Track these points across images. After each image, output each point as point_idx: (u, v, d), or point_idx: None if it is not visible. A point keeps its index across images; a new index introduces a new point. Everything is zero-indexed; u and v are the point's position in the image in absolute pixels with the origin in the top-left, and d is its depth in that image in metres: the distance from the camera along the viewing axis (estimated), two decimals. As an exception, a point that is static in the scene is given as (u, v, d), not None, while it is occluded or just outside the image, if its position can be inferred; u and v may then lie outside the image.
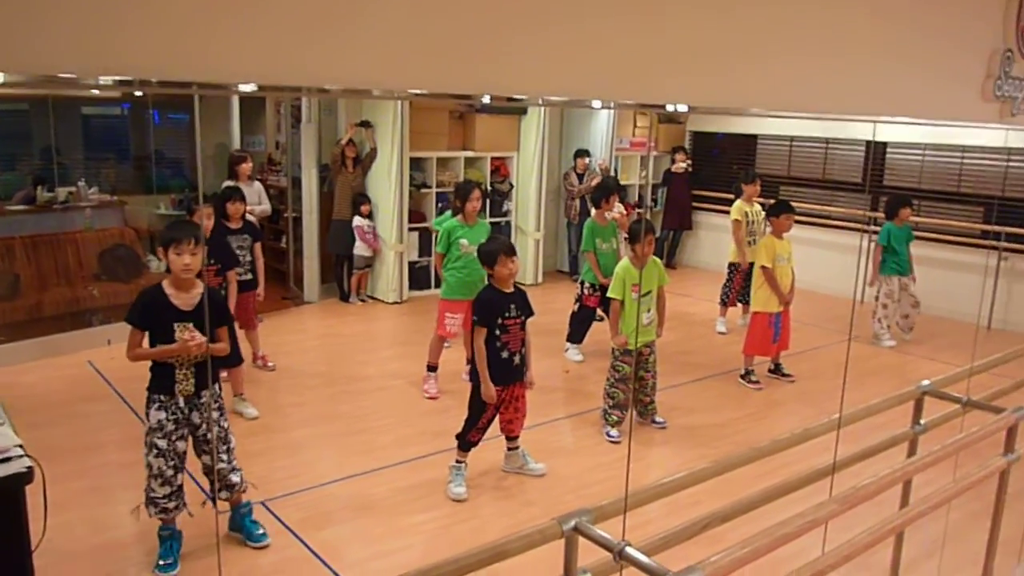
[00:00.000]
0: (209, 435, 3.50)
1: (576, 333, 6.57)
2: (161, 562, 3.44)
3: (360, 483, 4.34)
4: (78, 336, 6.36)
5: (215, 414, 3.55)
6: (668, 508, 2.42)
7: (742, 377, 6.12)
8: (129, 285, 6.80)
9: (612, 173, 9.44)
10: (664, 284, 5.15)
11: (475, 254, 5.36)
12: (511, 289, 4.29)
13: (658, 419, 5.24)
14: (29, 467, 2.53)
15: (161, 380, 3.40)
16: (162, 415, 3.39)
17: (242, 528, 3.68)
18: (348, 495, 4.21)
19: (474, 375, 4.26)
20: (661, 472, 3.03)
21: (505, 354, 4.20)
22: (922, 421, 3.13)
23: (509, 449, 4.50)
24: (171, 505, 3.46)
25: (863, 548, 2.23)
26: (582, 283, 6.44)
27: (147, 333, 3.42)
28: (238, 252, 5.49)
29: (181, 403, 3.42)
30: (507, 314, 4.20)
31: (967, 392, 3.16)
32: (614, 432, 5.03)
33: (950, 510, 3.44)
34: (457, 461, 4.31)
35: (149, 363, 3.44)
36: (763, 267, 5.93)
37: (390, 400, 5.61)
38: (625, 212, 6.69)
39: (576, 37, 1.74)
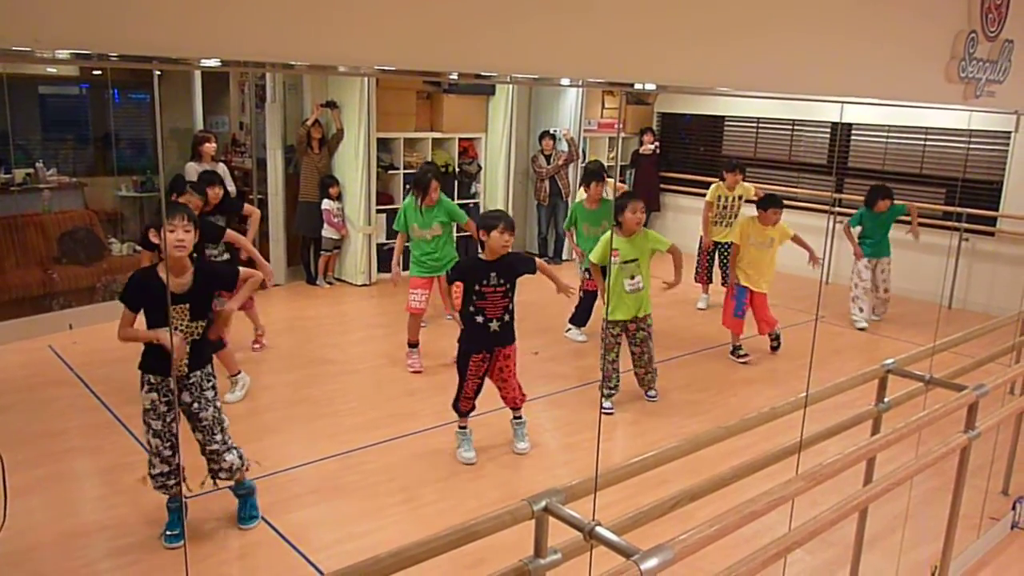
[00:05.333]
0: (202, 414, 3.49)
1: (580, 316, 6.61)
2: (168, 532, 3.50)
3: (329, 466, 4.32)
4: (38, 320, 6.23)
5: (209, 394, 3.53)
6: (638, 487, 2.44)
7: (731, 353, 6.26)
8: (90, 269, 6.68)
9: (577, 144, 9.46)
10: (661, 249, 5.20)
11: (427, 237, 5.63)
12: (494, 259, 4.31)
13: (651, 393, 5.34)
14: (-12, 453, 2.48)
15: (153, 359, 3.38)
16: (154, 395, 3.39)
17: (242, 507, 3.70)
18: (317, 478, 4.19)
19: (460, 342, 4.34)
20: (631, 452, 3.06)
21: (480, 319, 4.27)
22: (886, 399, 3.18)
23: (514, 418, 4.58)
24: (171, 482, 3.47)
25: (828, 524, 2.26)
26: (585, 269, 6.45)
27: (140, 314, 3.39)
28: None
29: (172, 384, 3.40)
30: (485, 281, 4.26)
31: (930, 370, 3.22)
32: (607, 404, 5.17)
33: (912, 486, 3.51)
34: (460, 427, 4.45)
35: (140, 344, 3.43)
36: (732, 243, 6.15)
37: (358, 383, 5.58)
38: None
39: (545, 15, 1.72)
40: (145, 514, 3.69)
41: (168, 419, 3.41)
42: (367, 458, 4.43)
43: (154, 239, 3.37)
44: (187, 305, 3.37)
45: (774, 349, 6.44)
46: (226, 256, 5.47)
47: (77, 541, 3.53)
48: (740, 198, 7.39)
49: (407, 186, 8.51)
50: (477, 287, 4.25)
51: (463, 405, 4.42)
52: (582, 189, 6.67)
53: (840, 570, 3.43)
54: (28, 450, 4.27)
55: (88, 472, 4.23)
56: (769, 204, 6.13)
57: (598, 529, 1.82)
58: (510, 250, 4.30)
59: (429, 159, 8.69)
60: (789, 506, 2.26)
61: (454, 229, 6.08)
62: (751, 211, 7.26)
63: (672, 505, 2.20)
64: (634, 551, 1.73)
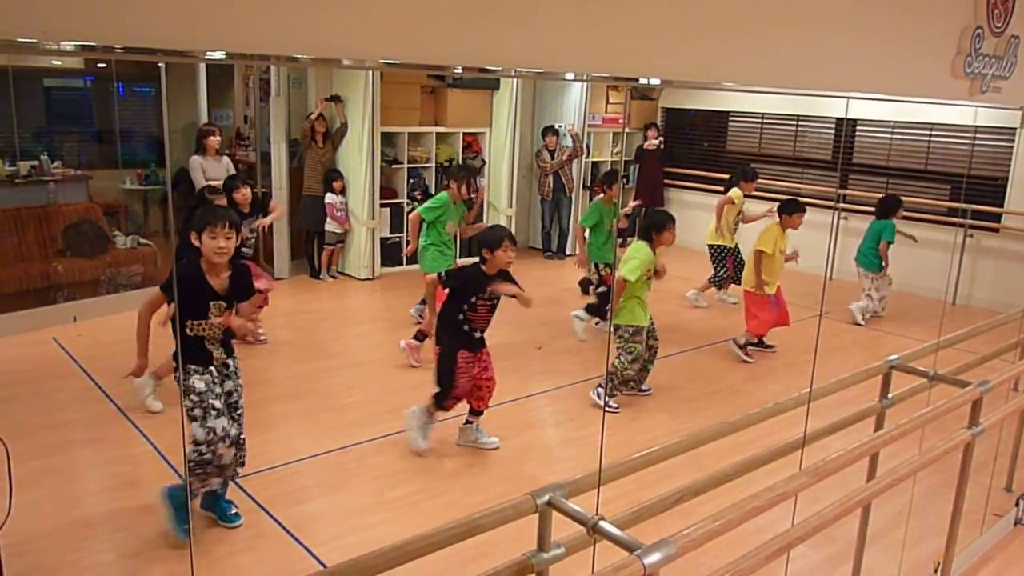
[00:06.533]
0: (240, 401, 3.57)
1: (599, 308, 6.58)
2: (232, 512, 3.64)
3: (331, 460, 4.33)
4: (42, 313, 6.23)
5: (240, 381, 3.62)
6: (641, 482, 2.44)
7: (740, 348, 6.24)
8: (94, 261, 6.68)
9: (581, 140, 9.47)
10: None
11: (452, 233, 5.77)
12: (494, 274, 4.32)
13: (644, 387, 5.36)
14: (-7, 445, 2.48)
15: (195, 353, 3.44)
16: (200, 384, 3.42)
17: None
18: (319, 472, 4.20)
19: (441, 343, 4.32)
20: (635, 447, 3.05)
21: (467, 328, 4.30)
22: (890, 395, 3.18)
23: (467, 422, 4.52)
24: (215, 481, 3.50)
25: (831, 520, 2.26)
26: (596, 265, 6.50)
27: (172, 305, 3.50)
28: (251, 235, 5.76)
29: (215, 372, 3.48)
30: (482, 295, 4.28)
31: (934, 367, 3.21)
32: (614, 404, 5.19)
33: (915, 482, 3.50)
34: (426, 410, 4.38)
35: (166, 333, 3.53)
36: (759, 250, 6.07)
37: (361, 377, 5.59)
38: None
39: (550, 9, 1.72)
40: (148, 506, 3.70)
41: (212, 399, 3.43)
42: (370, 452, 4.43)
43: (195, 242, 3.39)
44: (223, 303, 3.46)
45: (768, 347, 6.43)
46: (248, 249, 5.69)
47: (80, 532, 3.54)
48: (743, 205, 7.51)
49: (411, 180, 8.54)
50: (473, 299, 4.27)
51: (450, 404, 4.36)
52: (602, 190, 6.73)
53: (843, 566, 3.43)
54: (32, 442, 4.28)
55: (91, 464, 4.24)
56: (794, 209, 6.16)
57: (601, 523, 1.82)
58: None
59: (434, 154, 8.70)
60: (792, 502, 2.26)
61: None
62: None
63: (675, 500, 2.21)
64: (637, 545, 1.73)
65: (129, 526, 3.58)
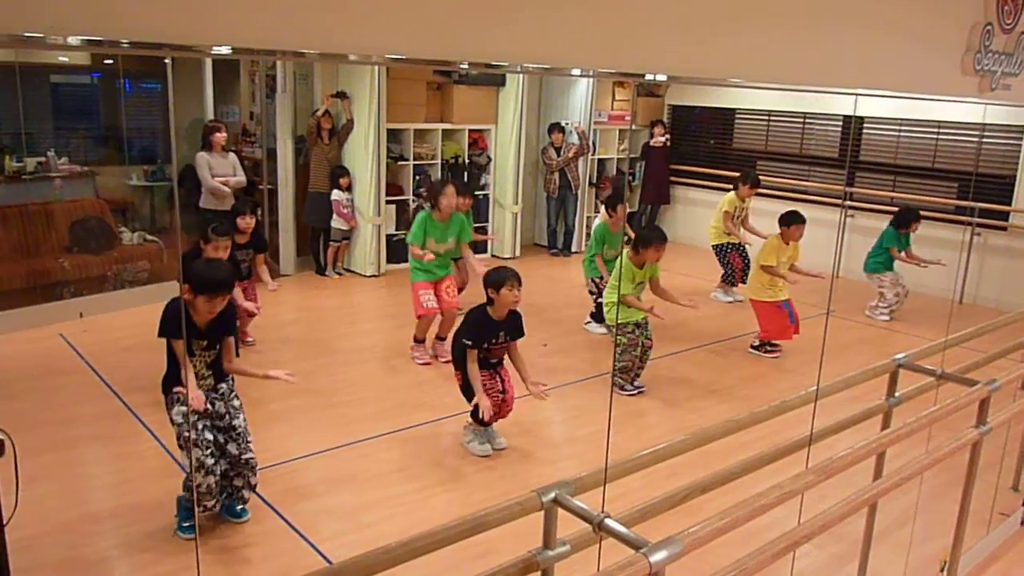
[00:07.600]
0: (235, 422, 3.54)
1: (600, 315, 6.57)
2: (183, 524, 3.52)
3: (337, 456, 4.33)
4: (49, 309, 6.25)
5: (236, 402, 3.60)
6: (647, 480, 2.43)
7: (756, 348, 6.31)
8: (100, 257, 6.69)
9: (589, 139, 9.47)
10: (655, 276, 5.51)
11: (440, 252, 5.70)
12: (503, 316, 4.30)
13: (637, 383, 5.39)
14: (0, 440, 2.48)
15: (179, 378, 3.45)
16: (184, 409, 3.42)
17: (232, 504, 3.67)
18: (325, 468, 4.20)
19: (460, 371, 4.33)
20: (640, 445, 3.04)
21: (482, 356, 4.34)
22: (897, 394, 3.16)
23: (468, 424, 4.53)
24: (210, 503, 3.48)
25: (838, 518, 2.25)
26: (592, 280, 6.56)
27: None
28: (241, 264, 5.60)
29: (202, 396, 3.48)
30: (494, 340, 4.30)
31: (941, 365, 3.20)
32: (629, 387, 5.34)
33: (922, 481, 3.49)
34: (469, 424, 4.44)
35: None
36: (763, 266, 6.17)
37: (367, 374, 5.59)
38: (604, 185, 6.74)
39: (556, 4, 1.71)
40: (155, 501, 3.71)
41: (200, 427, 3.43)
42: (376, 448, 4.43)
43: (187, 296, 3.40)
44: (205, 341, 3.47)
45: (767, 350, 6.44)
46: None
47: (87, 528, 3.55)
48: (747, 208, 7.60)
49: (417, 177, 8.53)
50: (485, 345, 4.29)
51: (487, 418, 4.29)
52: (605, 211, 6.58)
53: (849, 564, 3.42)
54: (38, 437, 4.29)
55: (98, 459, 4.25)
56: (793, 221, 6.20)
57: (607, 521, 1.82)
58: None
59: (439, 151, 8.68)
60: (798, 500, 2.26)
61: None
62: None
63: (681, 498, 2.20)
64: (643, 543, 1.72)
65: (135, 521, 3.59)
